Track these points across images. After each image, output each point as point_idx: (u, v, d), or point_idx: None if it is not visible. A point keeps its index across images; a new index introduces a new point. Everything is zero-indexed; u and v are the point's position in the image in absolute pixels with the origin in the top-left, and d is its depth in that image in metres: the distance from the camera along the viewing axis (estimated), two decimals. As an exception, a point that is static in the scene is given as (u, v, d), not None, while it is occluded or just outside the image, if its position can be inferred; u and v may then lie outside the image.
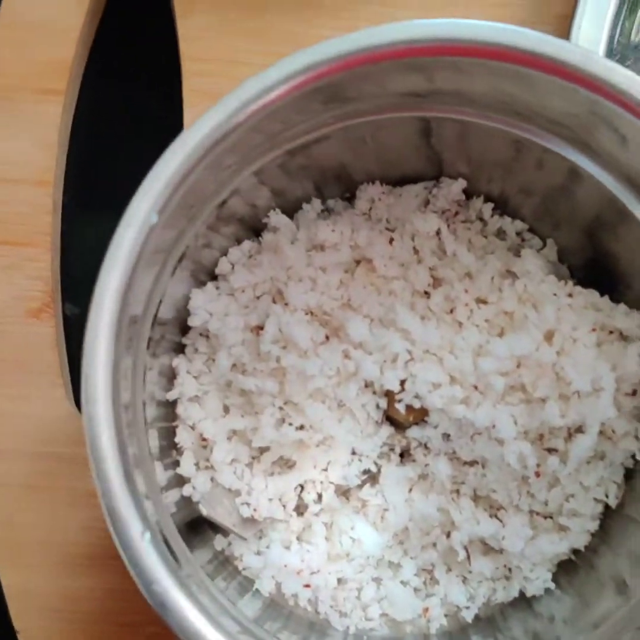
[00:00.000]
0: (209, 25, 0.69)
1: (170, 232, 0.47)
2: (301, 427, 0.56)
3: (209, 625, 0.42)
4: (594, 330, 0.54)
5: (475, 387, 0.54)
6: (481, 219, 0.60)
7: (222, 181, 0.50)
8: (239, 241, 0.59)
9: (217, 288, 0.57)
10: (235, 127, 0.44)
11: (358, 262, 0.58)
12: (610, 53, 0.67)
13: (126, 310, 0.43)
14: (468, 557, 0.57)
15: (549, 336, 0.55)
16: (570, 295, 0.55)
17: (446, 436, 0.56)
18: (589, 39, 0.66)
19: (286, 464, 0.57)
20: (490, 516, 0.57)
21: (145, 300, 0.47)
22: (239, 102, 0.43)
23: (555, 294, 0.55)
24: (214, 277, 0.58)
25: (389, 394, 0.56)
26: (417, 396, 0.54)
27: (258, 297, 0.57)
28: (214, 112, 0.43)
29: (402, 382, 0.54)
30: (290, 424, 0.55)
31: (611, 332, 0.55)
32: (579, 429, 0.55)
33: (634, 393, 0.55)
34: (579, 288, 0.57)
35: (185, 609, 0.42)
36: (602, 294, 0.57)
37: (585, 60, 0.44)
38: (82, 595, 0.63)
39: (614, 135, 0.46)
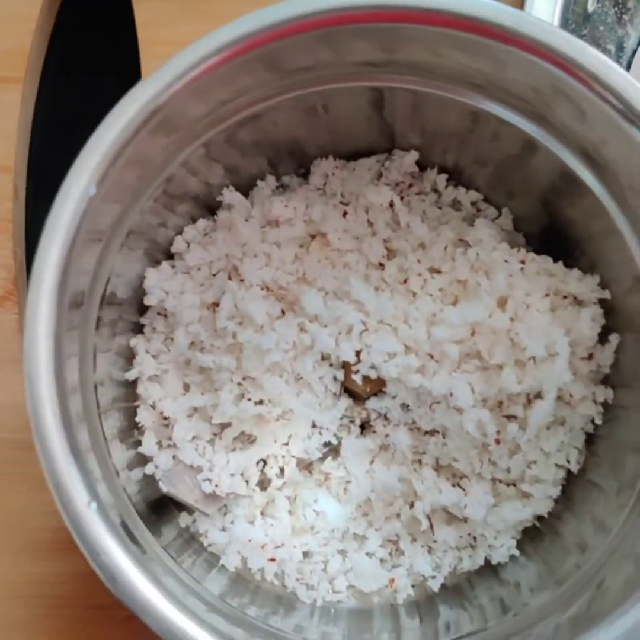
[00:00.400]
0: (165, 10, 0.69)
1: (113, 207, 0.47)
2: (260, 402, 0.56)
3: (161, 596, 0.42)
4: (547, 295, 0.54)
5: (431, 356, 0.54)
6: (436, 190, 0.60)
7: (167, 154, 0.50)
8: (194, 220, 0.59)
9: (173, 266, 0.57)
10: (171, 98, 0.44)
11: (313, 237, 0.58)
12: (565, 23, 0.67)
13: (67, 289, 0.43)
14: (431, 526, 0.57)
15: (502, 303, 0.55)
16: (522, 262, 0.55)
17: (405, 406, 0.56)
18: (544, 8, 0.66)
19: (248, 439, 0.57)
20: (453, 485, 0.57)
21: (90, 279, 0.48)
22: (173, 73, 0.44)
23: (506, 261, 0.55)
24: (170, 256, 0.58)
25: (345, 366, 0.56)
26: (373, 367, 0.55)
27: (214, 275, 0.57)
28: (147, 83, 0.43)
29: (358, 353, 0.55)
30: (249, 399, 0.55)
31: (565, 297, 0.55)
32: (538, 395, 0.55)
33: (590, 357, 0.55)
34: (532, 254, 0.57)
35: (137, 580, 0.42)
36: (557, 260, 0.57)
37: (544, 33, 0.44)
38: (48, 580, 0.63)
39: (573, 109, 0.47)
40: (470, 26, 0.45)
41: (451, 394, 0.54)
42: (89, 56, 0.75)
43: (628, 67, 0.69)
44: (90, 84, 0.76)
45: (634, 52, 0.70)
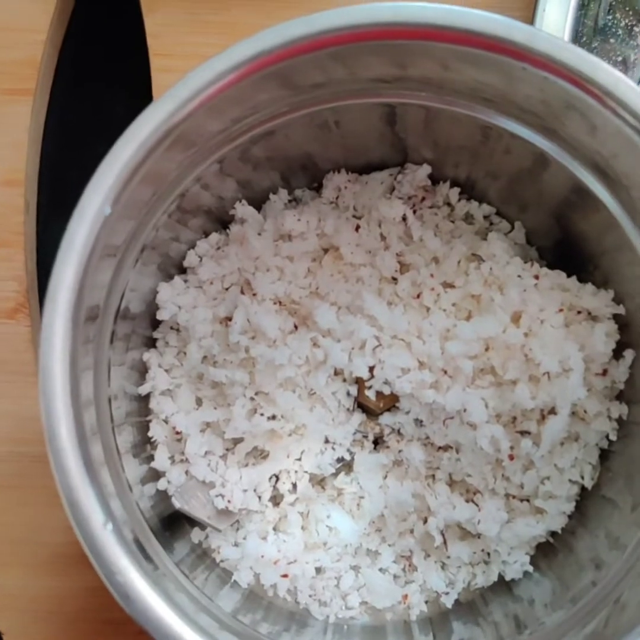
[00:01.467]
0: (175, 21, 0.69)
1: (128, 223, 0.47)
2: (273, 417, 0.56)
3: (173, 614, 0.42)
4: (561, 310, 0.54)
5: (445, 371, 0.54)
6: (448, 204, 0.60)
7: (181, 171, 0.50)
8: (206, 234, 0.59)
9: (186, 281, 0.57)
10: (186, 117, 0.44)
11: (325, 251, 0.58)
12: (575, 36, 0.67)
13: (82, 305, 0.43)
14: (445, 542, 0.57)
15: (516, 318, 0.55)
16: (536, 276, 0.55)
17: (418, 422, 0.56)
18: (555, 21, 0.66)
19: (260, 454, 0.57)
20: (466, 501, 0.57)
21: (105, 294, 0.47)
22: (188, 92, 0.44)
23: (519, 276, 0.55)
24: (182, 271, 0.58)
25: (359, 381, 0.56)
26: (386, 382, 0.54)
27: (226, 289, 0.57)
28: (162, 102, 0.43)
29: (371, 369, 0.54)
30: (262, 414, 0.55)
31: (579, 312, 0.55)
32: (552, 411, 0.55)
33: (604, 373, 0.55)
34: (545, 269, 0.56)
35: (150, 598, 0.42)
36: (570, 275, 0.57)
37: (556, 49, 0.44)
38: (64, 594, 0.63)
39: (584, 124, 0.47)
40: (482, 43, 0.45)
41: (465, 410, 0.54)
42: (99, 68, 0.75)
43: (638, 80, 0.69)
44: (100, 96, 0.77)
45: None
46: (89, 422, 0.45)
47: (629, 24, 0.69)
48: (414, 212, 0.58)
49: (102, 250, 0.44)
